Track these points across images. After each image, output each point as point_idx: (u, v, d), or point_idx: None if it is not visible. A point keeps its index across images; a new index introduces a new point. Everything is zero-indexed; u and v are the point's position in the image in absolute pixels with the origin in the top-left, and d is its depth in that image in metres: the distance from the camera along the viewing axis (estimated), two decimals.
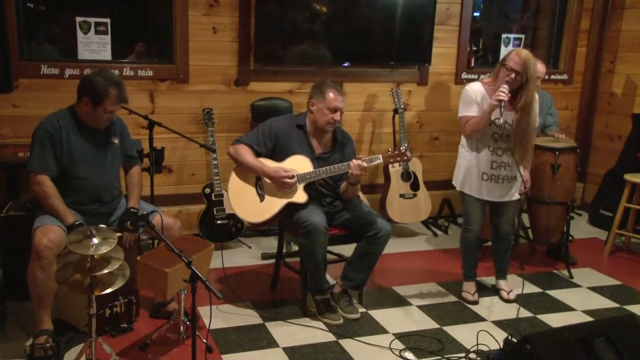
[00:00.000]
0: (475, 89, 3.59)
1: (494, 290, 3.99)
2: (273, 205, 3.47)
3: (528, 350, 2.48)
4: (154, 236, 3.63)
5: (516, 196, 3.72)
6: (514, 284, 4.04)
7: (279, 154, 3.53)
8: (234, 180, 3.57)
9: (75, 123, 3.17)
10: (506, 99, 3.39)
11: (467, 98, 3.59)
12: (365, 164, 3.37)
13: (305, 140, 3.55)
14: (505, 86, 3.41)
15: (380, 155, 3.43)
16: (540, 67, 4.46)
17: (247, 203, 3.53)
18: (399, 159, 3.43)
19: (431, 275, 4.26)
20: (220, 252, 4.02)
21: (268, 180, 3.48)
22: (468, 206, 3.75)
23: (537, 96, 3.57)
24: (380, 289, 3.99)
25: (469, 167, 3.67)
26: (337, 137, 3.65)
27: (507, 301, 3.85)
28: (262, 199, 3.51)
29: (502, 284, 3.95)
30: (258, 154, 3.53)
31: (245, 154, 3.50)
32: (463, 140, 3.72)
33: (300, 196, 3.45)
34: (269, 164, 3.50)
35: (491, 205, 3.77)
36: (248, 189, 3.54)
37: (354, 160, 3.38)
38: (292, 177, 3.41)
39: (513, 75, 3.42)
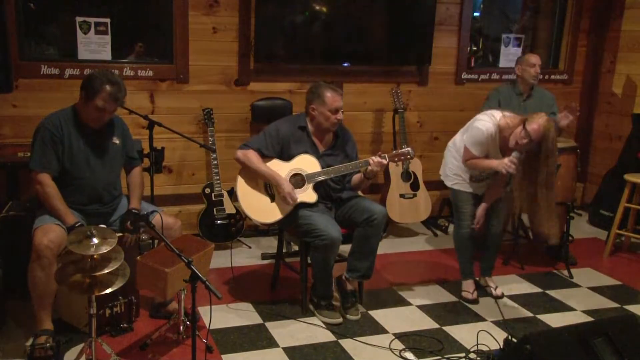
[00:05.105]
0: (490, 132, 3.51)
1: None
2: (284, 205, 3.48)
3: (528, 350, 2.48)
4: (154, 236, 3.63)
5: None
6: (516, 285, 4.08)
7: (285, 156, 3.55)
8: (242, 182, 3.57)
9: (77, 122, 3.16)
10: (514, 172, 3.38)
11: (479, 138, 3.54)
12: (385, 161, 3.42)
13: (309, 141, 3.58)
14: (517, 155, 3.37)
15: (386, 155, 3.46)
16: (534, 59, 4.46)
17: (258, 203, 3.53)
18: (402, 157, 3.51)
19: (431, 275, 4.26)
20: (228, 252, 4.02)
21: None
22: (459, 202, 3.77)
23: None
24: (380, 289, 3.99)
25: (458, 170, 3.74)
26: (337, 132, 3.68)
27: (497, 297, 3.88)
28: (272, 198, 3.53)
29: (488, 280, 4.00)
30: (267, 157, 3.54)
31: (255, 160, 3.50)
32: (454, 141, 3.79)
33: (310, 196, 3.48)
34: (278, 164, 3.51)
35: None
36: (258, 189, 3.56)
37: (374, 158, 3.42)
38: (295, 201, 3.44)
39: (526, 141, 3.33)
